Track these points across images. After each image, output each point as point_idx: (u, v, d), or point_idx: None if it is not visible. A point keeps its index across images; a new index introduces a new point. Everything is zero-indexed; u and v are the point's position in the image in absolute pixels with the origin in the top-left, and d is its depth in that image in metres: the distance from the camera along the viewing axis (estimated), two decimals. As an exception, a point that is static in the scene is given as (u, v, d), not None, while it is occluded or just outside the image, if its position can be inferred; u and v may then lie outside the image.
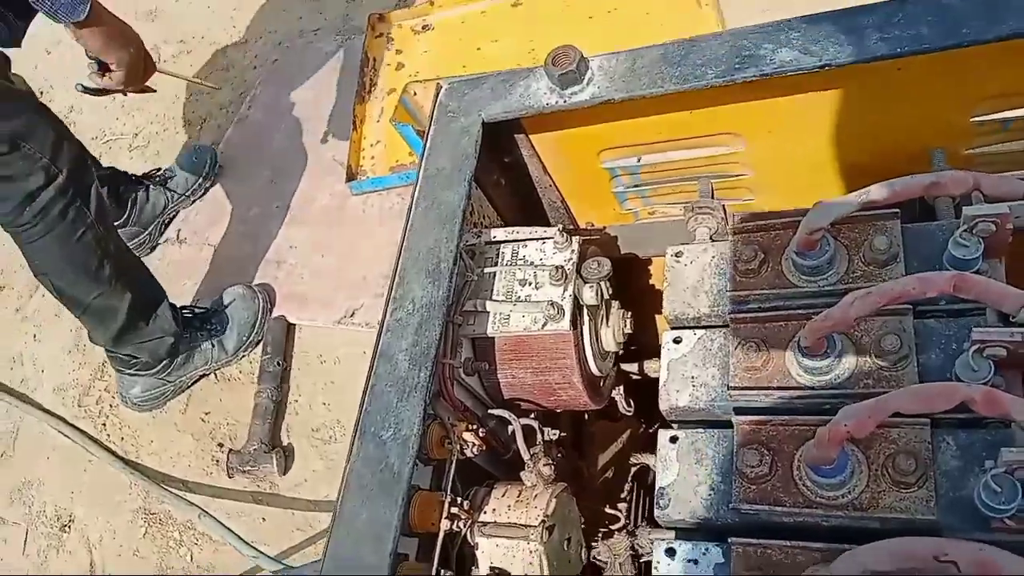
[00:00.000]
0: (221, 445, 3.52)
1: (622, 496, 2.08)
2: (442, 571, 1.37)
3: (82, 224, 2.68)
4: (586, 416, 2.16)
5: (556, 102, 1.52)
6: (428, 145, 1.57)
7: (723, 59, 1.43)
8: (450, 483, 1.42)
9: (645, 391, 2.13)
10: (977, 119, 1.56)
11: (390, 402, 1.34)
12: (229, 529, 3.14)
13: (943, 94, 1.50)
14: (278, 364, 3.55)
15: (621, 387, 1.98)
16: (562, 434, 1.94)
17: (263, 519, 3.30)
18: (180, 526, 3.41)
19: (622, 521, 1.90)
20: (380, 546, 1.22)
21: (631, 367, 2.24)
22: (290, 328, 3.65)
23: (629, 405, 1.99)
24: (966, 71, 1.46)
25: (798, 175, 1.80)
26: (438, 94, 1.63)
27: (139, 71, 2.65)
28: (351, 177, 3.77)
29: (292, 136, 4.19)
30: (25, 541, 3.53)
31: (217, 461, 3.46)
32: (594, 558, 1.95)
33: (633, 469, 2.13)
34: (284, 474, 3.35)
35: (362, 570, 1.22)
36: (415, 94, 1.80)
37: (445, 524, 1.38)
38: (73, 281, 2.81)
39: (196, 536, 3.38)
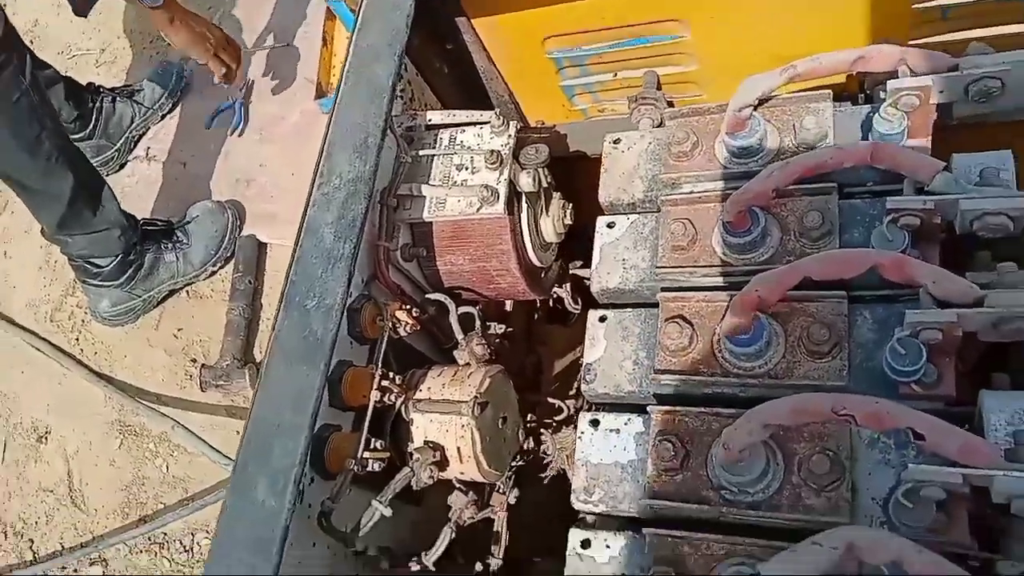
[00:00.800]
0: (194, 360, 3.55)
1: (571, 394, 2.12)
2: (372, 440, 1.40)
3: (16, 89, 2.67)
4: (535, 316, 2.18)
5: (492, -26, 1.49)
6: (360, 20, 1.54)
7: (659, -69, 1.40)
8: (380, 357, 1.45)
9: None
10: (918, 6, 1.54)
11: (314, 273, 1.35)
12: (203, 440, 3.21)
13: (884, -26, 1.48)
14: (249, 282, 3.55)
15: (568, 286, 1.99)
16: (509, 329, 1.97)
17: (236, 432, 3.36)
18: (155, 438, 3.47)
19: (566, 414, 1.93)
20: (302, 408, 1.25)
21: (585, 272, 2.25)
22: (261, 246, 3.64)
23: (577, 303, 2.00)
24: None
25: (745, 68, 1.76)
26: (372, -31, 1.59)
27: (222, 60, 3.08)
28: (321, 94, 3.71)
29: (262, 53, 4.11)
30: (3, 452, 3.59)
31: (191, 376, 3.50)
32: (542, 452, 2.00)
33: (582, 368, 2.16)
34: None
35: (284, 431, 1.25)
36: (349, -30, 1.77)
37: (375, 396, 1.41)
38: (12, 150, 2.79)
39: (171, 448, 3.44)
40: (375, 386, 1.41)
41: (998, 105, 1.30)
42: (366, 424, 1.38)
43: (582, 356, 2.18)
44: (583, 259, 2.16)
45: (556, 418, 1.97)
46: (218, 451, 3.16)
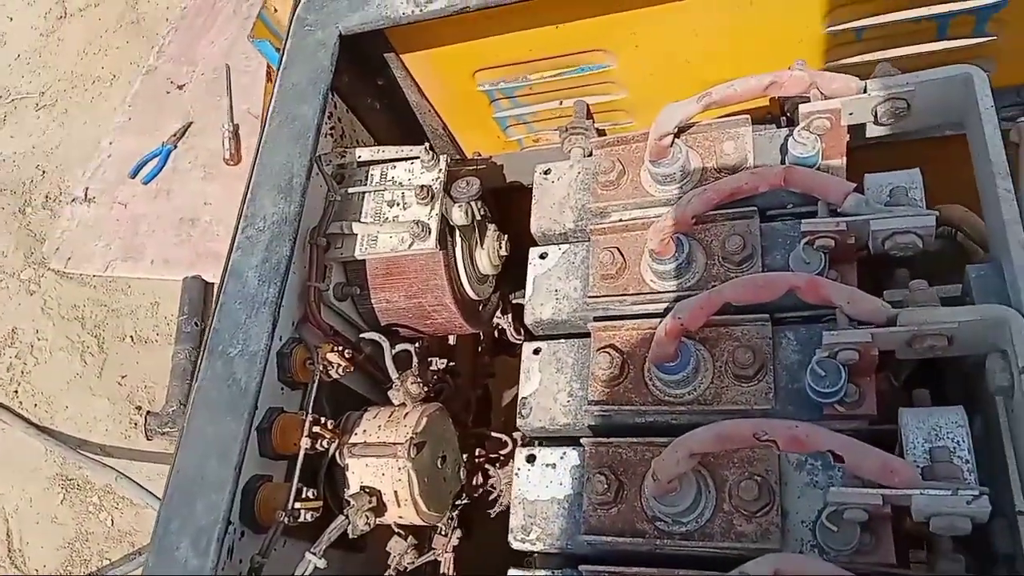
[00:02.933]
0: (139, 408, 3.45)
1: (516, 425, 2.10)
2: (304, 489, 1.36)
3: None
4: (479, 348, 2.16)
5: (412, 11, 1.49)
6: (284, 59, 1.53)
7: (571, -36, 1.42)
8: (310, 402, 1.41)
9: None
10: (832, 29, 1.58)
11: (238, 319, 1.32)
12: (148, 491, 3.10)
13: (797, 2, 1.51)
14: (196, 324, 3.47)
15: (509, 316, 1.98)
16: (451, 363, 1.95)
17: (185, 479, 3.26)
18: (99, 491, 3.35)
19: (510, 447, 1.91)
20: (226, 459, 1.21)
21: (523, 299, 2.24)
22: (207, 287, 3.57)
23: (519, 333, 1.99)
24: (814, -23, 1.47)
25: (671, 95, 1.78)
26: (296, 7, 1.58)
27: None
28: (265, 131, 3.69)
29: (204, 87, 4.06)
30: (-61, 513, 3.42)
31: (135, 424, 3.40)
32: (491, 486, 1.97)
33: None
34: (205, 433, 3.31)
35: (208, 486, 1.21)
36: (275, 10, 1.73)
37: (306, 442, 1.37)
38: None
39: (116, 500, 3.32)
40: (305, 433, 1.38)
41: (907, 125, 1.34)
42: (296, 473, 1.34)
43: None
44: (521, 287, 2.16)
45: (502, 452, 1.95)
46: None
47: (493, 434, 1.89)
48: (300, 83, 1.50)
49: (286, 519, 1.31)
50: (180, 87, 4.10)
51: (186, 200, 3.76)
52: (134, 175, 3.88)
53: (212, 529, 1.16)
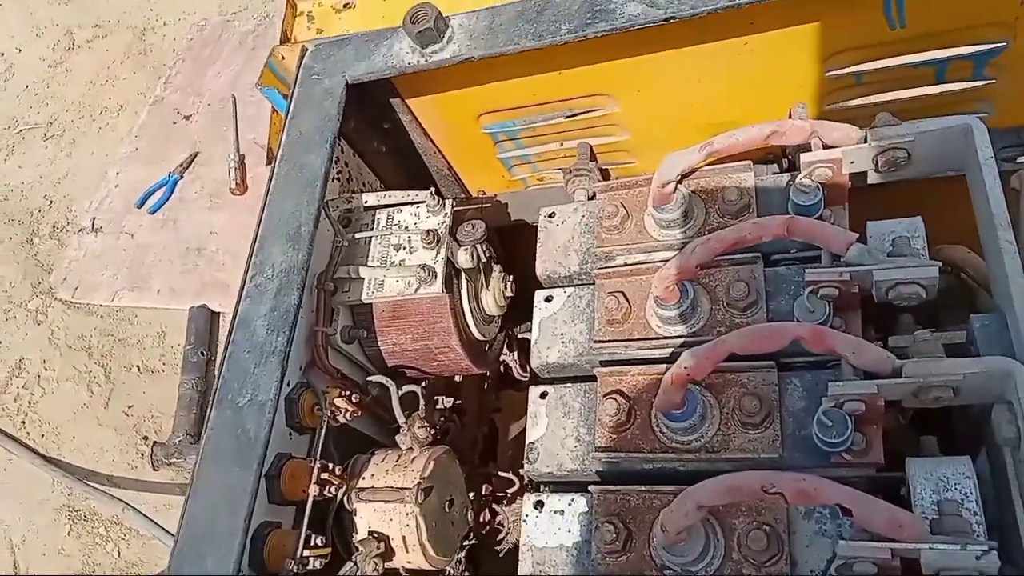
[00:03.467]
0: (146, 438, 3.46)
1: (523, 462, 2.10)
2: (312, 536, 1.36)
3: None
4: (485, 385, 2.17)
5: (418, 61, 1.52)
6: (291, 108, 1.56)
7: (576, 15, 1.44)
8: (319, 449, 1.42)
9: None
10: (832, 73, 1.60)
11: (247, 368, 1.33)
12: (155, 523, 3.10)
13: (796, 47, 1.54)
14: (202, 353, 3.49)
15: (515, 353, 1.99)
16: (457, 402, 1.96)
17: (191, 509, 3.26)
18: (106, 522, 3.34)
19: (518, 485, 1.91)
20: (235, 512, 1.22)
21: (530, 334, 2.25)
22: (213, 316, 3.59)
23: (525, 371, 2.00)
24: (814, 24, 1.49)
25: (674, 137, 1.82)
26: (303, 56, 1.61)
27: None
28: (271, 160, 3.72)
29: (210, 118, 4.11)
30: (-55, 545, 3.42)
31: (142, 455, 3.41)
32: (499, 524, 1.97)
33: (536, 434, 2.15)
34: (211, 463, 3.31)
35: (218, 538, 1.21)
36: (282, 58, 1.76)
37: (314, 489, 1.38)
38: None
39: (123, 531, 3.32)
40: (313, 479, 1.38)
41: (907, 173, 1.35)
42: (305, 521, 1.35)
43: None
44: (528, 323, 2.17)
45: (509, 490, 1.95)
46: (171, 534, 3.05)
47: (500, 473, 1.89)
48: (308, 132, 1.53)
49: (295, 567, 1.32)
50: (187, 117, 4.15)
51: (192, 230, 3.79)
52: (141, 205, 3.91)
53: (223, 584, 1.16)
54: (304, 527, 1.35)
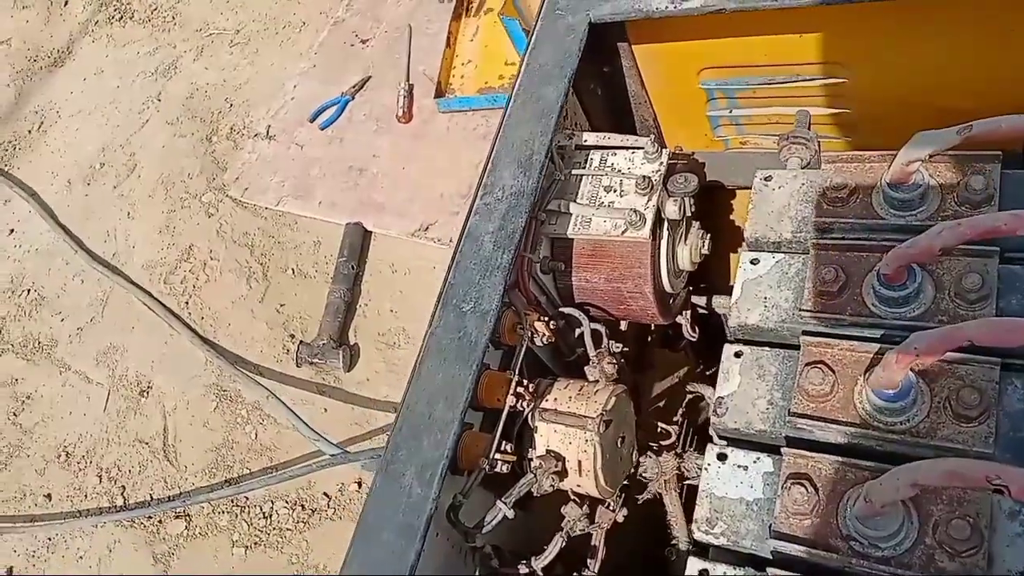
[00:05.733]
0: (293, 336, 3.71)
1: (674, 419, 2.13)
2: (503, 442, 1.45)
3: None
4: (649, 339, 2.20)
5: (667, 7, 1.53)
6: (533, 40, 1.60)
7: (842, -23, 1.41)
8: (518, 364, 1.50)
9: (708, 328, 2.17)
10: (1100, 71, 1.50)
11: (472, 278, 1.41)
12: (294, 412, 3.36)
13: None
14: (352, 267, 3.70)
15: (688, 313, 2.01)
16: (625, 348, 2.00)
17: (325, 410, 3.50)
18: (248, 406, 3.64)
19: (671, 440, 1.95)
20: (453, 404, 1.32)
21: (699, 300, 2.27)
22: (366, 235, 3.78)
23: (694, 331, 2.02)
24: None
25: (900, 117, 1.75)
26: (550, -10, 1.65)
27: None
28: (439, 94, 3.83)
29: (386, 44, 4.25)
30: (107, 401, 3.82)
31: (288, 350, 3.67)
32: (641, 475, 2.03)
33: (688, 396, 2.18)
34: (349, 371, 3.53)
35: (435, 423, 1.31)
36: (526, -10, 1.83)
37: (511, 401, 1.47)
38: None
39: (262, 417, 3.61)
40: (511, 391, 1.47)
41: None
42: (500, 427, 1.44)
43: (687, 384, 2.20)
44: (697, 289, 2.18)
45: (660, 443, 1.99)
46: (308, 425, 3.29)
47: (660, 425, 1.93)
48: (547, 65, 1.57)
49: (487, 467, 1.41)
50: (364, 42, 4.31)
51: (357, 150, 3.98)
52: (313, 119, 4.12)
53: (436, 464, 1.26)
54: (498, 431, 1.44)
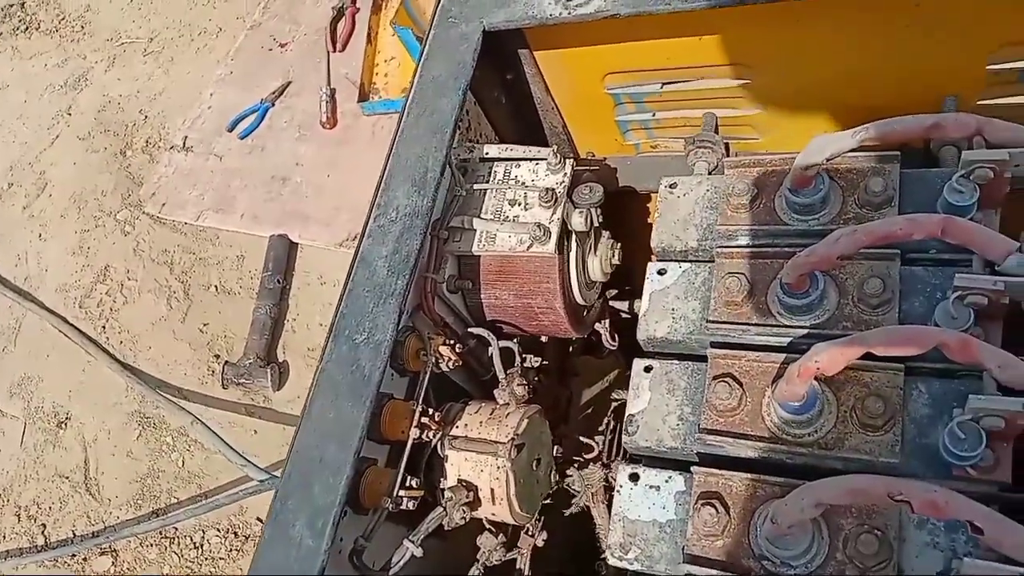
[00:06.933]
0: (217, 356, 3.57)
1: (599, 430, 2.09)
2: (408, 477, 1.38)
3: None
4: (571, 348, 2.16)
5: (560, 13, 1.47)
6: (426, 50, 1.53)
7: (735, -21, 1.37)
8: (422, 394, 1.43)
9: (632, 330, 2.13)
10: (993, 67, 1.50)
11: (365, 307, 1.34)
12: (221, 438, 3.22)
13: (960, 34, 1.44)
14: (278, 281, 3.56)
15: (607, 322, 1.97)
16: (544, 362, 1.95)
17: (255, 432, 3.37)
18: (173, 432, 3.48)
19: (596, 452, 1.91)
20: (345, 444, 1.24)
21: (621, 305, 2.23)
22: (292, 246, 3.65)
23: (614, 340, 1.98)
24: (986, 11, 1.39)
25: (805, 116, 1.74)
26: (441, -2, 1.58)
27: None
28: (363, 97, 3.71)
29: (306, 48, 4.11)
30: (23, 435, 3.62)
31: (213, 372, 3.52)
32: (567, 486, 1.98)
33: (614, 404, 2.14)
34: (278, 389, 3.40)
35: (326, 467, 1.24)
36: (419, -3, 1.75)
37: (415, 433, 1.40)
38: None
39: (188, 443, 3.46)
40: (415, 423, 1.40)
41: (1076, 184, 1.27)
42: (403, 462, 1.37)
43: (613, 392, 2.16)
44: (620, 292, 2.14)
45: (585, 455, 1.95)
46: (235, 450, 3.17)
47: (581, 439, 1.88)
48: (441, 76, 1.50)
49: (390, 505, 1.34)
50: (282, 46, 4.16)
51: (280, 159, 3.84)
52: (231, 129, 3.97)
53: (329, 512, 1.19)
54: (402, 467, 1.37)
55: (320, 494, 1.21)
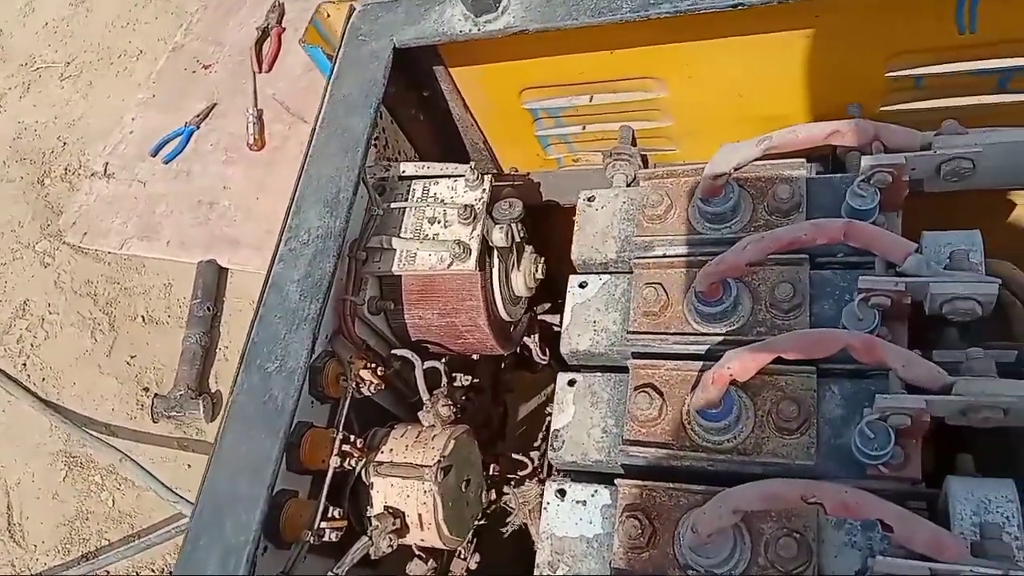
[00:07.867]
0: (147, 389, 3.44)
1: (535, 445, 2.08)
2: (330, 508, 1.34)
3: None
4: (503, 365, 2.14)
5: (470, 30, 1.47)
6: (336, 69, 1.51)
7: (639, -6, 1.39)
8: (342, 420, 1.40)
9: (565, 342, 2.13)
10: (892, 74, 1.56)
11: (277, 334, 1.30)
12: (151, 475, 3.10)
13: (859, 44, 1.49)
14: (208, 309, 3.46)
15: (536, 336, 1.96)
16: (475, 380, 1.93)
17: (188, 466, 3.25)
18: (102, 470, 3.34)
19: (531, 468, 1.89)
20: (259, 479, 1.20)
21: (553, 318, 2.22)
22: (221, 272, 3.55)
23: (544, 354, 1.98)
24: (881, 21, 1.44)
25: (720, 126, 1.78)
26: (350, 16, 1.56)
27: None
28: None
29: (230, 69, 4.03)
30: (-60, 480, 3.41)
31: (142, 406, 3.39)
32: (505, 504, 1.96)
33: (548, 419, 2.13)
34: (211, 421, 3.29)
35: (239, 502, 1.19)
36: (328, 15, 1.70)
37: (335, 461, 1.36)
38: None
39: (118, 481, 3.31)
40: (335, 452, 1.36)
41: (969, 184, 1.31)
42: (324, 492, 1.33)
43: (549, 406, 2.15)
44: (552, 305, 2.14)
45: (520, 472, 1.93)
46: (168, 487, 3.05)
47: (514, 456, 1.87)
48: (351, 94, 1.48)
49: (312, 538, 1.30)
50: (206, 67, 4.08)
51: (206, 183, 3.74)
52: (155, 153, 3.85)
53: (242, 550, 1.14)
54: (323, 498, 1.33)
55: (232, 531, 1.16)
